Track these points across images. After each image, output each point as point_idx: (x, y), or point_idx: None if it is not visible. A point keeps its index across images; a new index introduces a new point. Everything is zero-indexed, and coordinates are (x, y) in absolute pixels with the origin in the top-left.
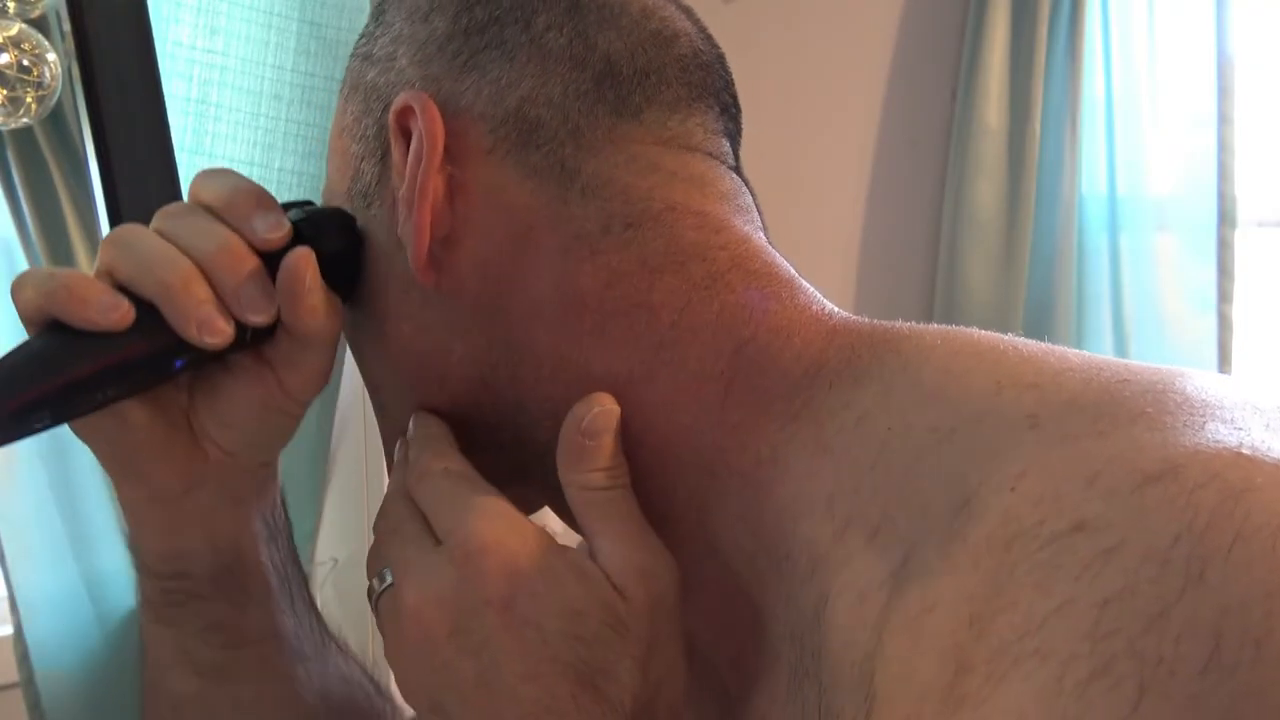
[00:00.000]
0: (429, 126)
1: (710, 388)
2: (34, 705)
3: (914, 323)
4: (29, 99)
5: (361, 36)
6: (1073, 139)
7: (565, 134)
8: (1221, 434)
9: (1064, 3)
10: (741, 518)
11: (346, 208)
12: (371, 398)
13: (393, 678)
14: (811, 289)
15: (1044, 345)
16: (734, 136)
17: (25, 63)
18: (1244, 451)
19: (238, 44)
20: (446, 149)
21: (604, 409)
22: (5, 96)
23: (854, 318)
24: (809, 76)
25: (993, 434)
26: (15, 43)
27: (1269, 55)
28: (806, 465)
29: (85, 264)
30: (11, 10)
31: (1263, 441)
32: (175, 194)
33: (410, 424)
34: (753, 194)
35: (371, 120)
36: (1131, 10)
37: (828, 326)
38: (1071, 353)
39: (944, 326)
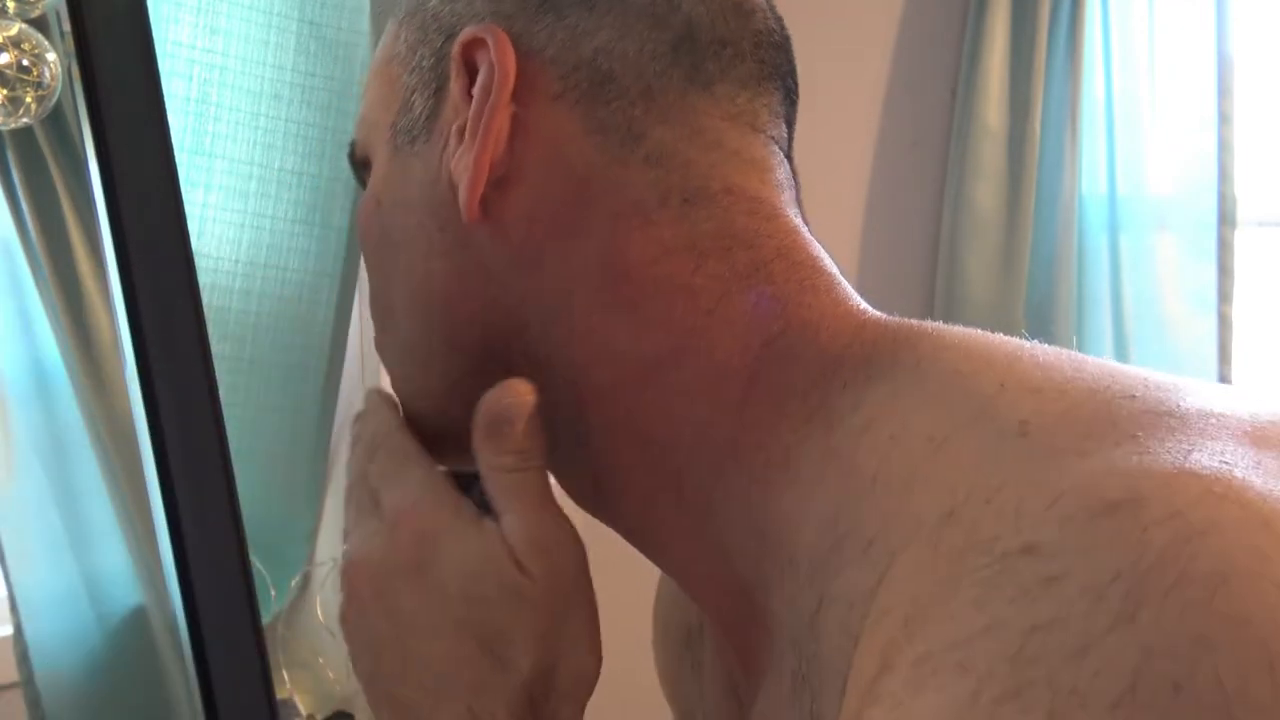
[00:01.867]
0: (501, 61)
1: (732, 382)
2: (34, 705)
3: (939, 323)
4: (29, 99)
5: None
6: (1073, 139)
7: (637, 93)
8: (1202, 465)
9: (1064, 3)
10: (746, 518)
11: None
12: (379, 319)
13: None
14: (849, 287)
15: (1066, 352)
16: (791, 124)
17: (25, 63)
18: (1215, 489)
19: (238, 44)
20: (514, 88)
21: (517, 400)
22: (5, 96)
23: (884, 316)
24: (809, 76)
25: (981, 443)
26: (15, 43)
27: (1269, 55)
28: (814, 471)
29: (85, 264)
30: (11, 10)
31: (1242, 478)
32: (175, 194)
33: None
34: (798, 185)
35: (429, 50)
36: (1131, 10)
37: (856, 322)
38: (1090, 361)
39: (969, 329)
